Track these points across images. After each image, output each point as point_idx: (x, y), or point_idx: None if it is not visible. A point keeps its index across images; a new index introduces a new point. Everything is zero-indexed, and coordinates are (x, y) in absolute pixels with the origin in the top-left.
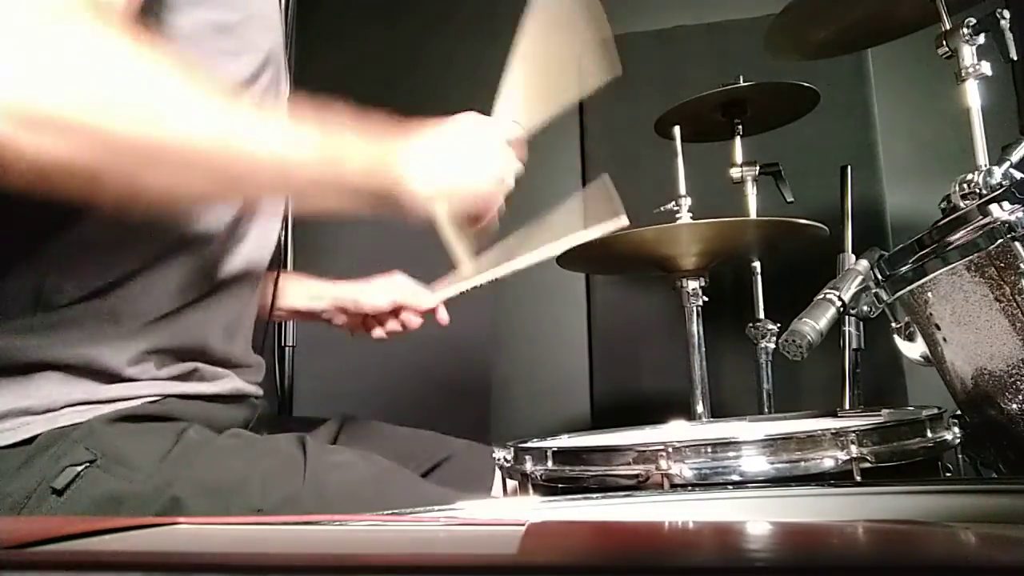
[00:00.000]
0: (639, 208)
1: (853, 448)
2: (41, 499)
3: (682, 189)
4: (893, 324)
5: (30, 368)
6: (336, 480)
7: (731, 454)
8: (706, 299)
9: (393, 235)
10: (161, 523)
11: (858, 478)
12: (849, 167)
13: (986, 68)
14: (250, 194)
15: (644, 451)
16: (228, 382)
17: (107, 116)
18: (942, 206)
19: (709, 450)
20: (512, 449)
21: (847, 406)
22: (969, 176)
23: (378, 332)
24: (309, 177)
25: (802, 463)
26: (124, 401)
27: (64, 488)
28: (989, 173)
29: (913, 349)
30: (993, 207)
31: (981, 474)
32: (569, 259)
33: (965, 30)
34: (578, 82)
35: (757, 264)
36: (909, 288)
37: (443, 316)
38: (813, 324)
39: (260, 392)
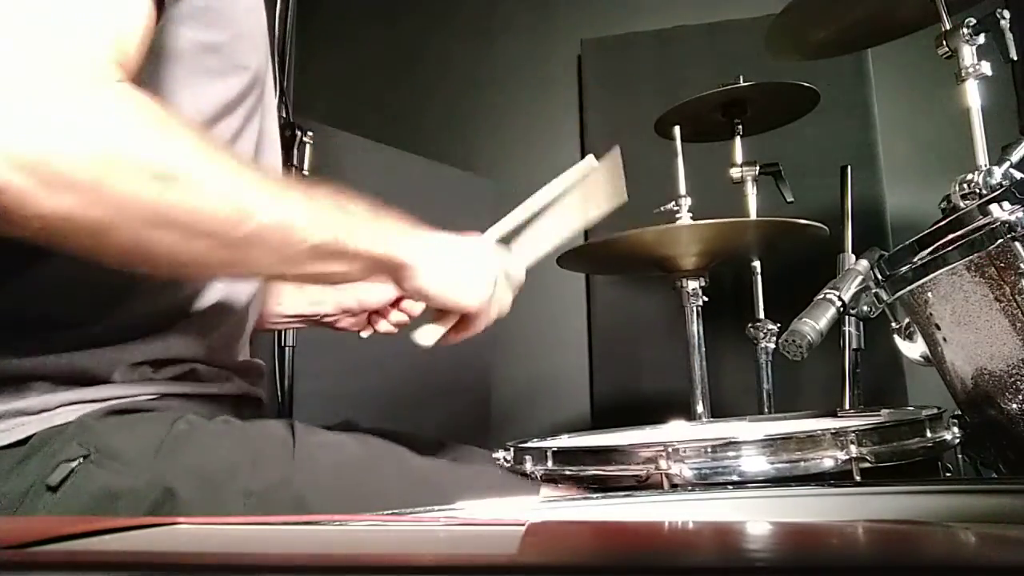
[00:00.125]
0: (639, 208)
1: (853, 448)
2: (36, 497)
3: (682, 189)
4: (893, 324)
5: (23, 379)
6: (326, 459)
7: (731, 454)
8: (706, 299)
9: None
10: (161, 523)
11: (858, 478)
12: (849, 167)
13: (986, 68)
14: (252, 269)
15: (644, 451)
16: (227, 384)
17: (121, 179)
18: (942, 206)
19: (709, 450)
20: (512, 449)
21: (847, 406)
22: (969, 176)
23: (384, 326)
24: (313, 257)
25: (802, 463)
26: (120, 400)
27: (59, 485)
28: (989, 173)
29: (913, 349)
30: (993, 207)
31: (981, 474)
32: (569, 259)
33: (965, 30)
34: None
35: (757, 264)
36: (909, 288)
37: None
38: (813, 324)
39: (262, 393)
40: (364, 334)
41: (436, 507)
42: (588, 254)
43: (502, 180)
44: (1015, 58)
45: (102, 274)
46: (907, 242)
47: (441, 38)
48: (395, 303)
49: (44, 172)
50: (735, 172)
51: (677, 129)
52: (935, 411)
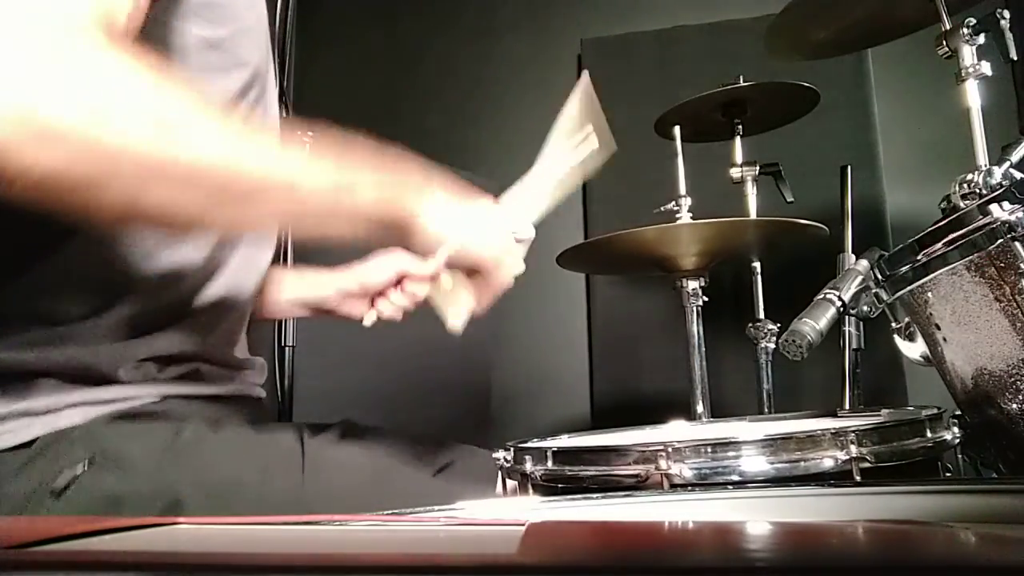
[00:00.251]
0: (639, 208)
1: (853, 448)
2: (40, 500)
3: (682, 189)
4: (893, 324)
5: (30, 376)
6: (335, 475)
7: (731, 454)
8: (706, 299)
9: None
10: (161, 523)
11: (858, 478)
12: (849, 167)
13: (986, 68)
14: (254, 217)
15: (644, 451)
16: (230, 383)
17: (113, 128)
18: (942, 206)
19: (709, 450)
20: (512, 449)
21: (847, 406)
22: (969, 176)
23: (387, 308)
24: (319, 202)
25: (802, 463)
26: (125, 401)
27: (63, 489)
28: (989, 173)
29: (913, 349)
30: (993, 207)
31: (981, 474)
32: (569, 259)
33: (965, 30)
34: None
35: (757, 264)
36: (909, 288)
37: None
38: (813, 324)
39: (263, 394)
40: (367, 321)
41: (436, 507)
42: (588, 254)
43: (502, 180)
44: (1015, 58)
45: (107, 268)
46: (907, 242)
47: (441, 38)
48: (398, 283)
49: (32, 124)
50: (735, 172)
51: (677, 129)
52: (935, 411)
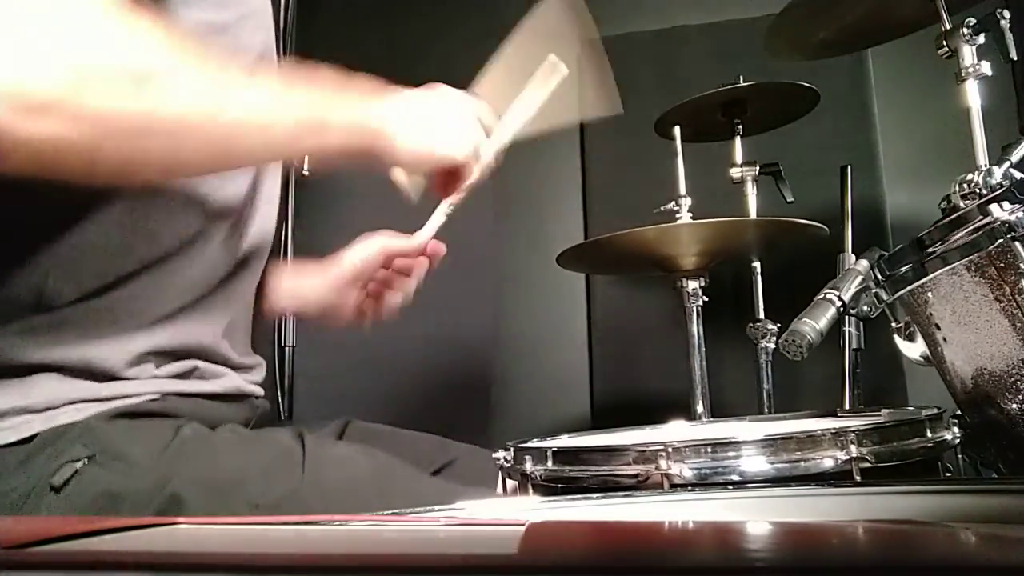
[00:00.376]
0: (639, 208)
1: (853, 448)
2: (39, 497)
3: (682, 189)
4: (893, 324)
5: (29, 369)
6: (335, 474)
7: (731, 454)
8: (706, 299)
9: (395, 220)
10: (161, 523)
11: (858, 478)
12: (849, 167)
13: (986, 68)
14: (239, 159)
15: (643, 451)
16: (228, 381)
17: (98, 92)
18: (942, 206)
19: (709, 450)
20: (512, 449)
21: (847, 406)
22: (969, 176)
23: (391, 297)
24: (295, 136)
25: (802, 463)
26: (123, 399)
27: (62, 485)
28: (989, 173)
29: (913, 349)
30: (993, 207)
31: (981, 474)
32: (569, 259)
33: (965, 30)
34: (575, 108)
35: (757, 264)
36: (909, 288)
37: (438, 248)
38: (813, 324)
39: (261, 392)
40: (370, 316)
41: (436, 507)
42: (588, 254)
43: (502, 180)
44: (1015, 58)
45: (108, 252)
46: (907, 242)
47: (441, 38)
48: (387, 266)
49: (20, 98)
50: (735, 172)
51: (677, 129)
52: (935, 411)
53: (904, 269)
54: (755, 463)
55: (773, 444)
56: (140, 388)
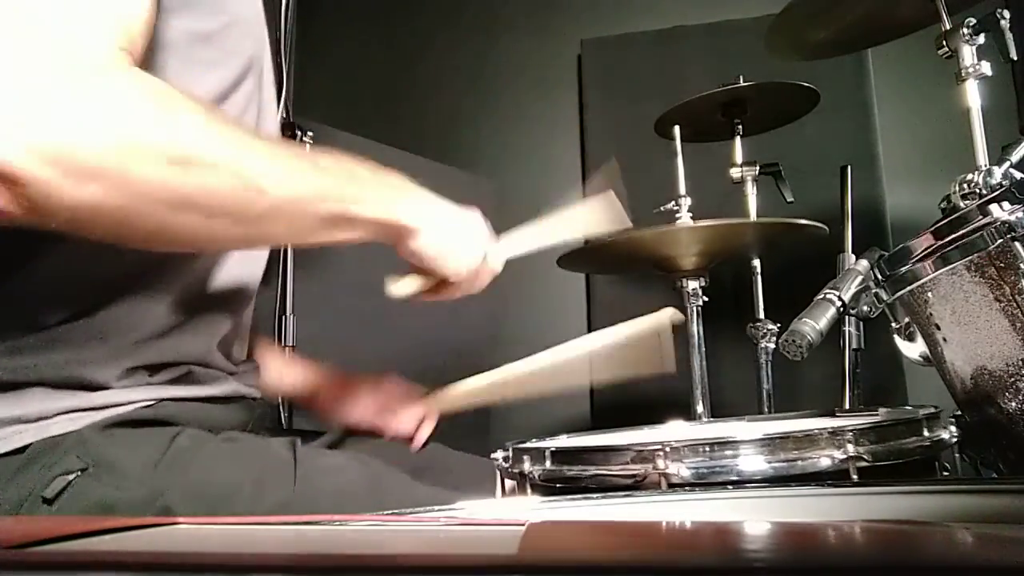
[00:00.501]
0: (639, 208)
1: (850, 447)
2: (32, 509)
3: (682, 189)
4: (893, 324)
5: (20, 385)
6: (327, 484)
7: (728, 453)
8: (706, 299)
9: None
10: (161, 523)
11: (854, 477)
12: (849, 167)
13: (986, 68)
14: (267, 242)
15: (641, 451)
16: (224, 384)
17: (142, 166)
18: (942, 206)
19: (706, 450)
20: (510, 449)
21: (847, 406)
22: (969, 176)
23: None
24: (324, 228)
25: (799, 462)
26: (117, 407)
27: (54, 498)
28: (989, 173)
29: (913, 349)
30: (993, 207)
31: (981, 474)
32: (569, 259)
33: (965, 30)
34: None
35: (757, 264)
36: (909, 288)
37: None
38: (813, 324)
39: (258, 393)
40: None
41: (436, 507)
42: (588, 254)
43: (502, 180)
44: (1015, 58)
45: (97, 272)
46: (907, 242)
47: (441, 38)
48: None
49: (68, 163)
50: (735, 172)
51: (677, 129)
52: (932, 410)
53: (904, 269)
54: (753, 462)
55: (770, 443)
56: (134, 395)
